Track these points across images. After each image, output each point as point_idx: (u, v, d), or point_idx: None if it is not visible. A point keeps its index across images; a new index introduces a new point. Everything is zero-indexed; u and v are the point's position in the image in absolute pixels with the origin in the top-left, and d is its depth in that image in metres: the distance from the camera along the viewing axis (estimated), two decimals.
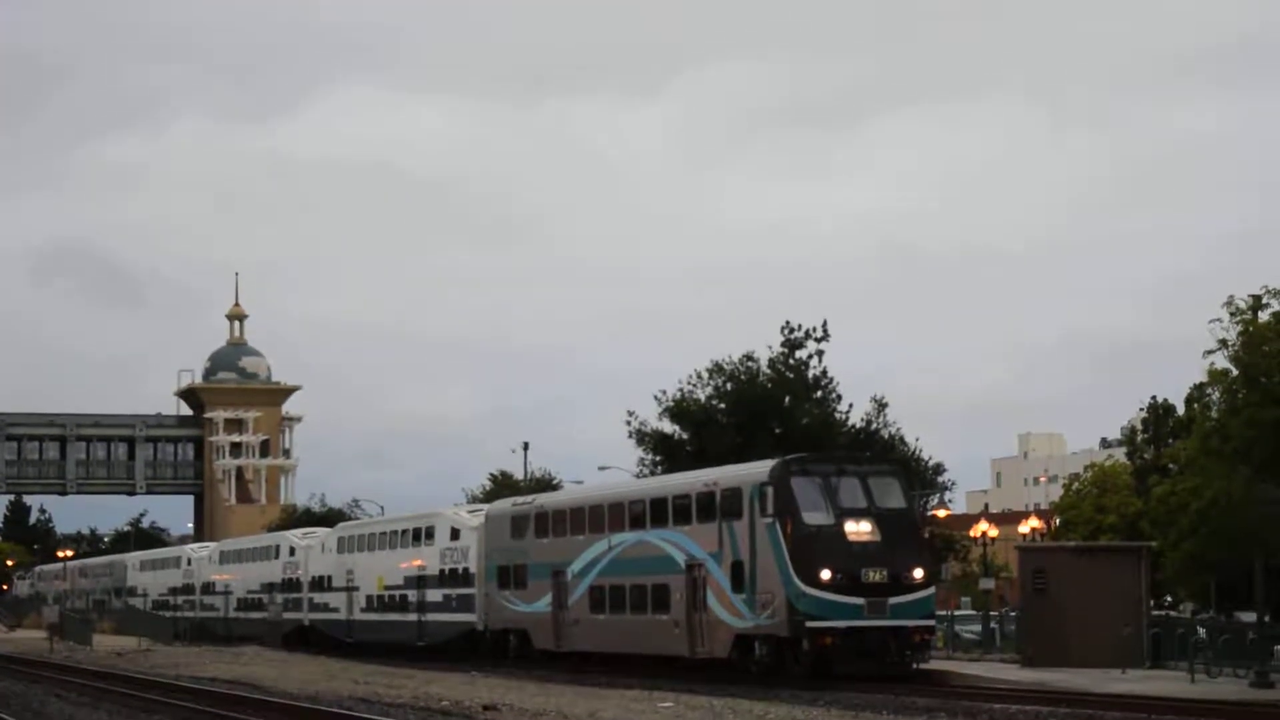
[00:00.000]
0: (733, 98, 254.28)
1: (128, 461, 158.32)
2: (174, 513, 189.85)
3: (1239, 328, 54.47)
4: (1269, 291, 54.93)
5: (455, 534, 59.13)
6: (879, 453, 59.10)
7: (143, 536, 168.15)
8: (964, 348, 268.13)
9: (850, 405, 66.39)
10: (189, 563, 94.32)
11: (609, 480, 71.14)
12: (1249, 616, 52.77)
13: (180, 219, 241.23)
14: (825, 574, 39.95)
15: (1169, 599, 73.88)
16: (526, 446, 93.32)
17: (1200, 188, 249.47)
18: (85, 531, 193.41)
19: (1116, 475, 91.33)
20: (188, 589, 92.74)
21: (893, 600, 40.34)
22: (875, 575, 40.36)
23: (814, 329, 66.47)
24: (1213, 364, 56.30)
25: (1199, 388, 61.28)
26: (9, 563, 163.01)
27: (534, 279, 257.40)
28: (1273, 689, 37.48)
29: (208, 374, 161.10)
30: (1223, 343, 54.97)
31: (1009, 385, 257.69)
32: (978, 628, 59.79)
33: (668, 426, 66.27)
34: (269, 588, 78.05)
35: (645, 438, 66.45)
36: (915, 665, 41.12)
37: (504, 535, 55.05)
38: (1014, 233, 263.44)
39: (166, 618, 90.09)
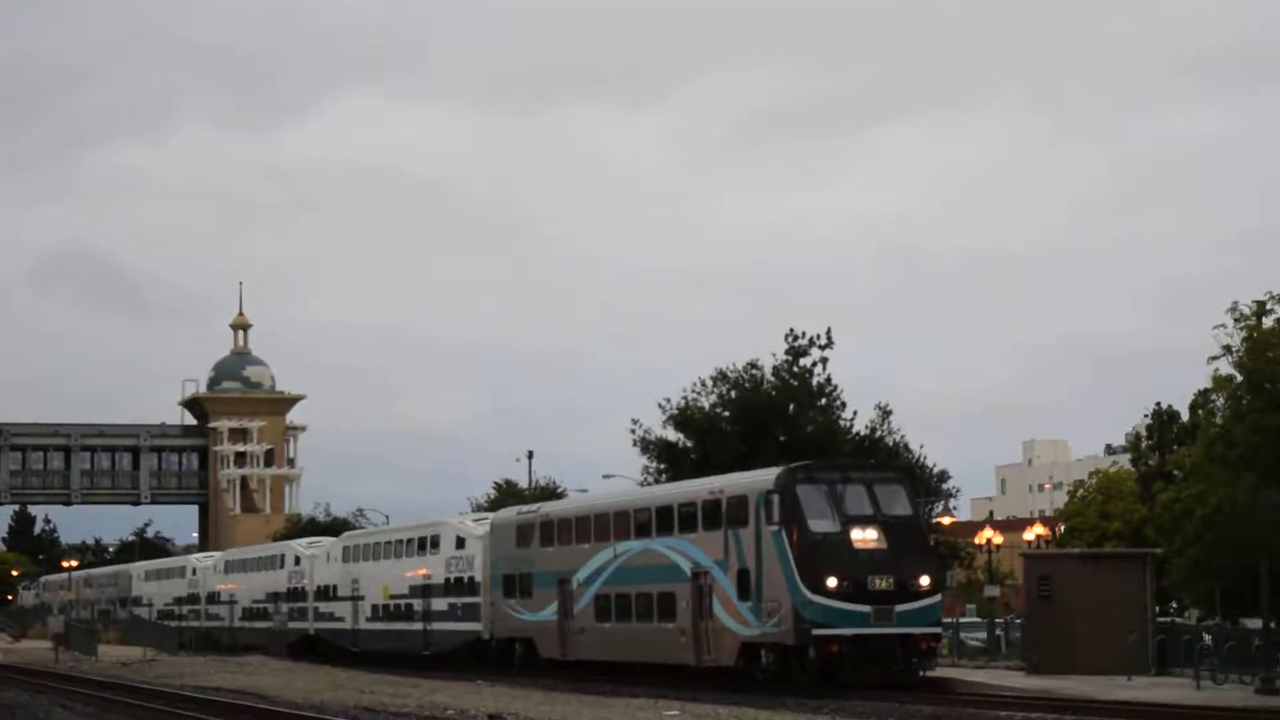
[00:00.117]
0: (734, 104, 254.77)
1: (132, 471, 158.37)
2: (179, 523, 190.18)
3: (1243, 333, 54.42)
4: (1274, 297, 54.90)
5: (460, 543, 59.14)
6: (884, 460, 59.13)
7: (147, 546, 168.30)
8: (966, 354, 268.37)
9: (855, 413, 66.48)
10: (194, 572, 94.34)
11: (614, 488, 71.11)
12: (1254, 623, 52.69)
13: (185, 227, 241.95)
14: (831, 582, 39.92)
15: (1174, 605, 73.77)
16: (531, 455, 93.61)
17: (1201, 191, 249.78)
18: (90, 541, 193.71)
19: (1121, 482, 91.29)
20: (193, 599, 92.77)
21: (899, 608, 40.29)
22: (881, 583, 40.31)
23: (818, 336, 66.57)
24: (1217, 370, 56.22)
25: (1203, 394, 61.16)
26: (14, 573, 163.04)
27: (537, 285, 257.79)
28: (1278, 695, 37.49)
29: (212, 383, 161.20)
30: (1227, 348, 54.90)
31: (1012, 391, 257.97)
32: (983, 635, 59.74)
33: (672, 434, 66.31)
34: (274, 597, 78.05)
35: (650, 445, 66.47)
36: (922, 673, 41.10)
37: (509, 544, 55.05)
38: (1015, 237, 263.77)
39: (172, 627, 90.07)
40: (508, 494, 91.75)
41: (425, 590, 60.83)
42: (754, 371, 66.18)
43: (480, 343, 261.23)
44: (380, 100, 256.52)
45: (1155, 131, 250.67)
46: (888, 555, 40.67)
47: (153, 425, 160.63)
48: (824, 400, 66.29)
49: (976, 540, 78.51)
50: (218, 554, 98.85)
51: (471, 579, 57.63)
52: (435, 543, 61.06)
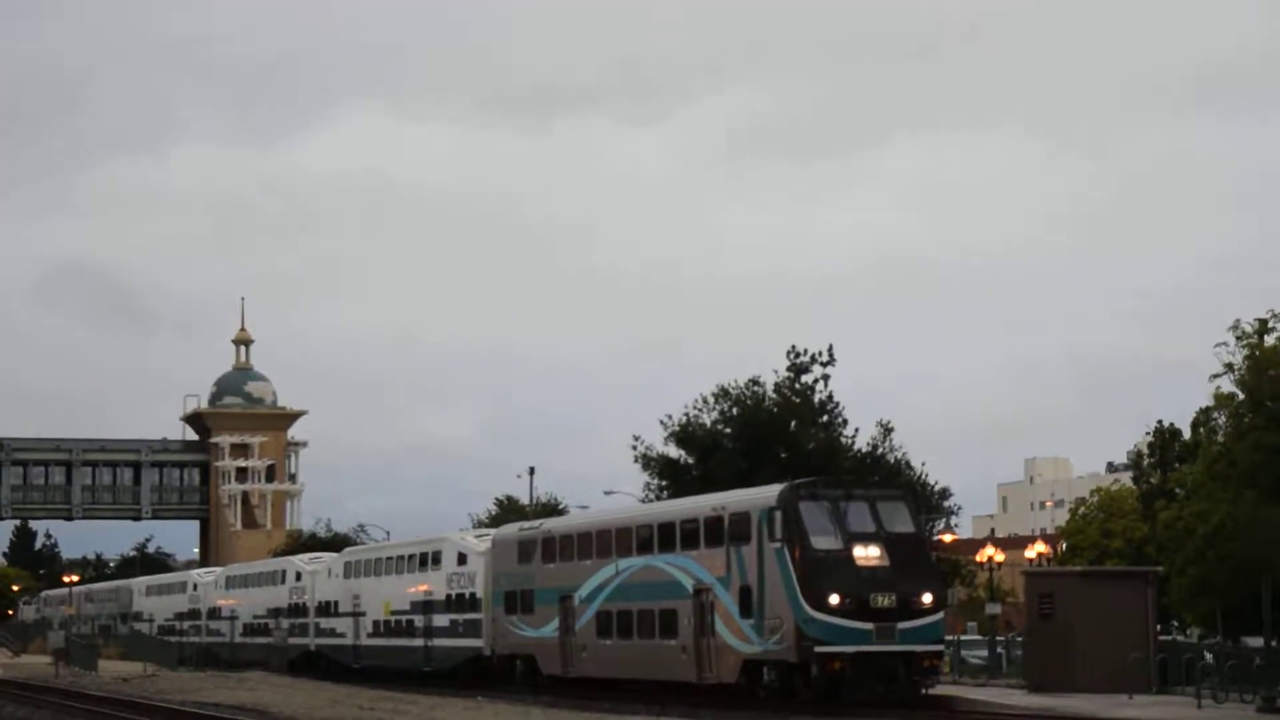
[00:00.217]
0: (736, 119, 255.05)
1: (133, 486, 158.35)
2: (179, 538, 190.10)
3: (1245, 351, 54.53)
4: (1275, 315, 55.02)
5: (462, 559, 59.11)
6: (886, 477, 59.11)
7: (148, 562, 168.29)
8: (968, 371, 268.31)
9: (856, 430, 66.47)
10: (195, 588, 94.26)
11: (615, 505, 71.10)
12: (1256, 641, 52.69)
13: (187, 241, 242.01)
14: (834, 599, 39.84)
15: (1175, 624, 73.73)
16: (532, 471, 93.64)
17: (1200, 206, 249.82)
18: (91, 556, 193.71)
19: (1123, 500, 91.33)
20: (194, 614, 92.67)
21: (902, 625, 40.18)
22: (884, 600, 40.21)
23: (819, 353, 66.61)
24: (1219, 388, 56.38)
25: (1205, 412, 61.29)
26: (14, 588, 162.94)
27: (539, 300, 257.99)
28: (1279, 715, 37.48)
29: (214, 399, 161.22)
30: (1229, 366, 55.04)
31: (1014, 409, 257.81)
32: (984, 652, 59.70)
33: (674, 451, 66.31)
34: (275, 613, 77.97)
35: (651, 462, 66.47)
36: (924, 691, 41.03)
37: (511, 560, 55.02)
38: (1015, 253, 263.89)
39: (172, 643, 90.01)
40: (509, 510, 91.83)
41: (427, 606, 60.79)
42: (756, 388, 66.22)
43: (482, 358, 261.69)
44: (383, 113, 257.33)
45: (1153, 147, 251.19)
46: (890, 572, 40.59)
47: (154, 440, 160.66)
48: (825, 417, 66.28)
49: (978, 558, 78.32)
50: (219, 569, 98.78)
51: (473, 595, 57.59)
52: (437, 559, 61.02)
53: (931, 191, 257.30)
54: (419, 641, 61.23)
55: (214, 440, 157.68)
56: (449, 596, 59.32)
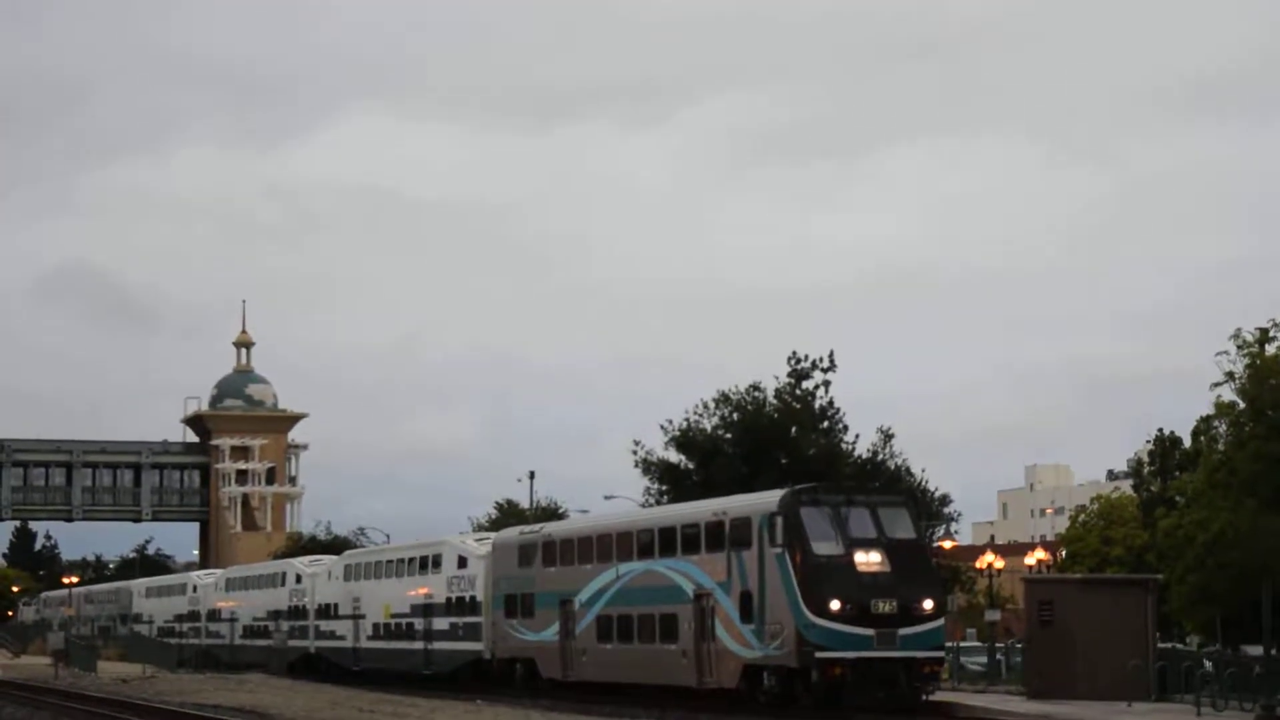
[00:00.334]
0: (737, 125, 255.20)
1: (134, 488, 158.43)
2: (179, 540, 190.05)
3: (1246, 361, 54.60)
4: (1276, 325, 55.09)
5: (462, 562, 59.14)
6: (886, 483, 59.15)
7: (148, 563, 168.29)
8: (968, 377, 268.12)
9: (857, 436, 66.49)
10: (195, 590, 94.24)
11: (616, 509, 71.18)
12: (1256, 649, 52.71)
13: (188, 244, 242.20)
14: (835, 604, 39.85)
15: (1176, 631, 73.75)
16: (532, 475, 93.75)
17: (1200, 214, 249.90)
18: (91, 558, 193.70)
19: (1123, 507, 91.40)
20: (193, 616, 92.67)
21: (902, 631, 40.18)
22: (885, 606, 40.22)
23: (820, 359, 66.64)
24: (1219, 397, 56.44)
25: (1206, 420, 61.36)
26: (14, 589, 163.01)
27: (539, 304, 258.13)
28: None
29: (214, 401, 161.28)
30: (1230, 375, 55.11)
31: (1015, 416, 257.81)
32: (983, 659, 59.71)
33: (674, 456, 66.32)
34: (275, 615, 77.97)
35: (651, 467, 66.47)
36: (924, 697, 41.05)
37: (511, 564, 55.05)
38: (1016, 260, 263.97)
39: (172, 645, 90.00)
40: (509, 514, 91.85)
41: (427, 609, 60.81)
42: (756, 394, 66.26)
43: (482, 362, 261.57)
44: (384, 119, 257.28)
45: (1155, 154, 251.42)
46: (891, 578, 40.62)
47: (154, 442, 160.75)
48: (826, 423, 66.32)
49: (978, 564, 78.53)
50: (219, 571, 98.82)
51: (473, 598, 57.61)
52: (437, 562, 61.04)
53: (932, 198, 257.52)
54: (419, 644, 61.24)
55: (214, 442, 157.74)
56: (449, 600, 59.34)
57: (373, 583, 66.91)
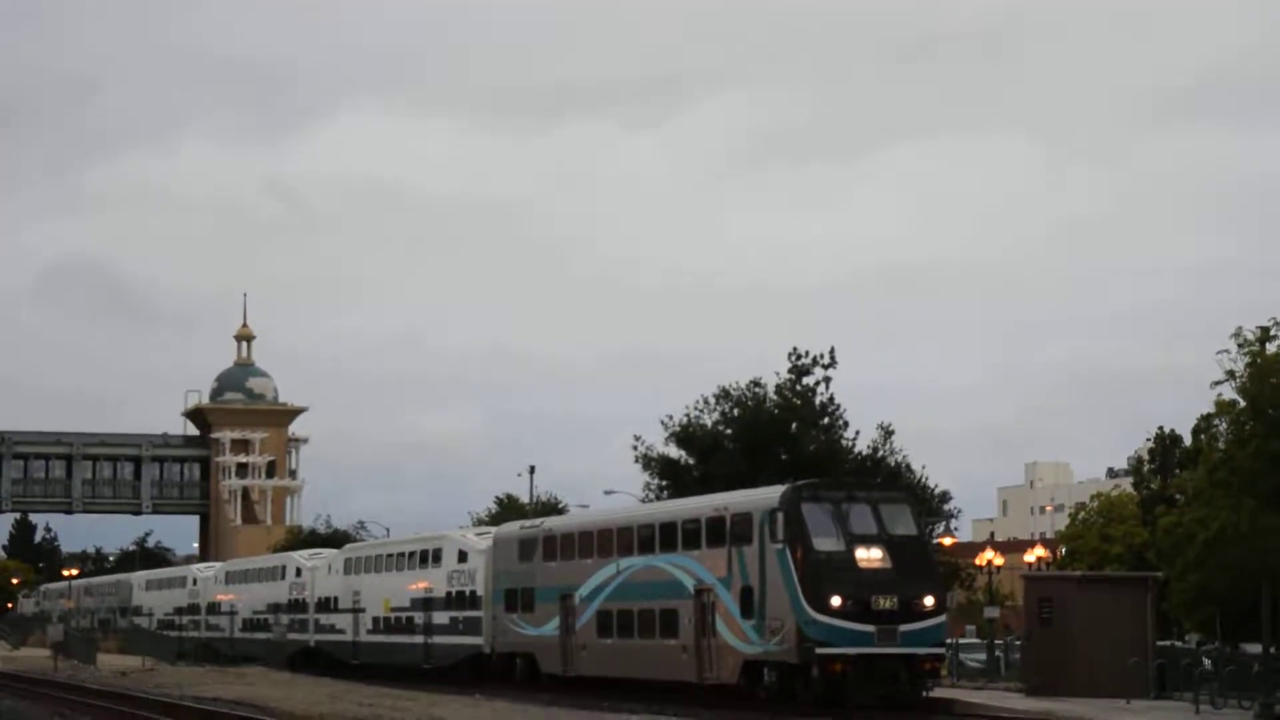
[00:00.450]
0: (737, 124, 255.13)
1: (134, 481, 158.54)
2: (179, 533, 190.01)
3: (1247, 359, 54.54)
4: (1277, 323, 55.02)
5: (463, 556, 59.15)
6: (886, 480, 59.15)
7: (148, 556, 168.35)
8: (969, 375, 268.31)
9: (857, 432, 66.42)
10: (195, 582, 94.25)
11: (615, 504, 71.17)
12: (1255, 648, 52.75)
13: (189, 238, 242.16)
14: (835, 600, 39.82)
15: (1175, 629, 73.76)
16: (533, 470, 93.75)
17: (1200, 215, 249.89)
18: (90, 550, 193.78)
19: (1123, 505, 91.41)
20: (193, 609, 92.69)
21: (903, 628, 40.13)
22: (886, 602, 40.17)
23: (821, 355, 66.59)
24: (1220, 395, 56.37)
25: (1206, 418, 61.31)
26: (14, 581, 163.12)
27: (539, 300, 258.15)
28: None
29: (215, 394, 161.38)
30: (1230, 374, 55.02)
31: (1015, 413, 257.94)
32: (982, 656, 59.79)
33: (674, 451, 66.28)
34: (275, 608, 77.98)
35: (651, 462, 66.42)
36: (924, 693, 41.07)
37: (511, 558, 55.07)
38: (1016, 258, 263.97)
39: (171, 637, 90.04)
40: (509, 509, 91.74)
41: (426, 603, 60.83)
42: (757, 390, 66.19)
43: (483, 356, 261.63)
44: (385, 115, 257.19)
45: (1155, 153, 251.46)
46: (892, 575, 40.58)
47: (155, 435, 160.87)
48: (826, 419, 66.26)
49: (977, 561, 78.52)
50: (219, 564, 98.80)
51: (473, 593, 57.63)
52: (437, 556, 61.05)
53: (933, 196, 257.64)
54: (419, 638, 61.27)
55: (215, 435, 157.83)
56: (449, 594, 59.35)
57: (373, 576, 66.95)
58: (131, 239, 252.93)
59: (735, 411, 65.73)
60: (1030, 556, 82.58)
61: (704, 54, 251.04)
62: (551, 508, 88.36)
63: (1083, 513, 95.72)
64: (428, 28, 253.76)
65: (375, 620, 65.82)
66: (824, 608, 39.74)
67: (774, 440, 64.29)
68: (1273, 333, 54.94)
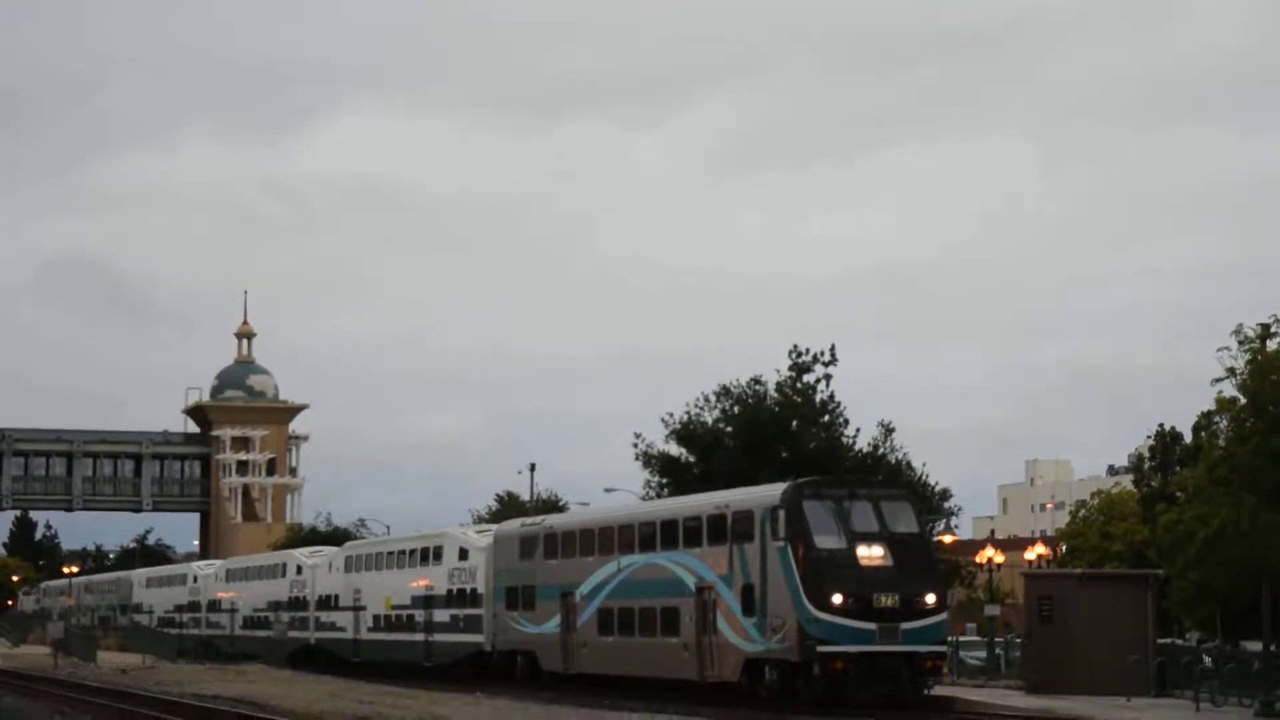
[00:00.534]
0: (737, 126, 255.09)
1: (134, 478, 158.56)
2: (180, 530, 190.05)
3: (1247, 356, 54.57)
4: (1278, 320, 55.04)
5: (463, 554, 59.14)
6: (887, 477, 59.16)
7: (148, 553, 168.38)
8: (969, 373, 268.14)
9: (857, 430, 66.45)
10: (195, 580, 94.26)
11: (617, 502, 71.19)
12: (1255, 645, 52.76)
13: (190, 236, 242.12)
14: (837, 598, 39.79)
15: (1175, 627, 73.76)
16: (533, 468, 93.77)
17: (1205, 211, 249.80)
18: (91, 548, 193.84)
19: (1123, 503, 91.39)
20: (194, 606, 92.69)
21: (905, 625, 40.10)
22: (887, 600, 40.15)
23: (821, 353, 66.59)
24: (1220, 392, 56.40)
25: (1206, 416, 61.38)
26: (14, 578, 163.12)
27: (540, 298, 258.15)
28: (1278, 718, 37.52)
29: (215, 392, 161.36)
30: (1231, 371, 55.05)
31: (1015, 411, 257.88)
32: (983, 654, 59.78)
33: (674, 449, 66.29)
34: (275, 606, 77.97)
35: (652, 460, 66.44)
36: (926, 691, 41.05)
37: (512, 556, 55.06)
38: (1016, 258, 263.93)
39: (172, 635, 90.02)
40: (509, 506, 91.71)
41: (427, 601, 60.83)
42: (757, 387, 66.19)
43: (483, 354, 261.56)
44: (385, 115, 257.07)
45: (1155, 152, 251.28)
46: (894, 572, 40.55)
47: (155, 433, 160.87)
48: (827, 417, 66.27)
49: (978, 559, 78.46)
50: (219, 562, 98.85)
51: (474, 590, 57.62)
52: (438, 554, 61.04)
53: (933, 196, 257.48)
54: (419, 636, 61.27)
55: (215, 433, 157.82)
56: (450, 592, 59.34)
57: (373, 574, 66.95)
58: (132, 237, 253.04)
59: (736, 409, 65.75)
60: (1031, 554, 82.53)
61: (704, 54, 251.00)
62: (552, 505, 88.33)
63: (1083, 510, 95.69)
64: (428, 28, 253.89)
65: (376, 618, 65.82)
66: (825, 606, 39.72)
67: (774, 438, 64.31)
68: (1273, 330, 54.97)
